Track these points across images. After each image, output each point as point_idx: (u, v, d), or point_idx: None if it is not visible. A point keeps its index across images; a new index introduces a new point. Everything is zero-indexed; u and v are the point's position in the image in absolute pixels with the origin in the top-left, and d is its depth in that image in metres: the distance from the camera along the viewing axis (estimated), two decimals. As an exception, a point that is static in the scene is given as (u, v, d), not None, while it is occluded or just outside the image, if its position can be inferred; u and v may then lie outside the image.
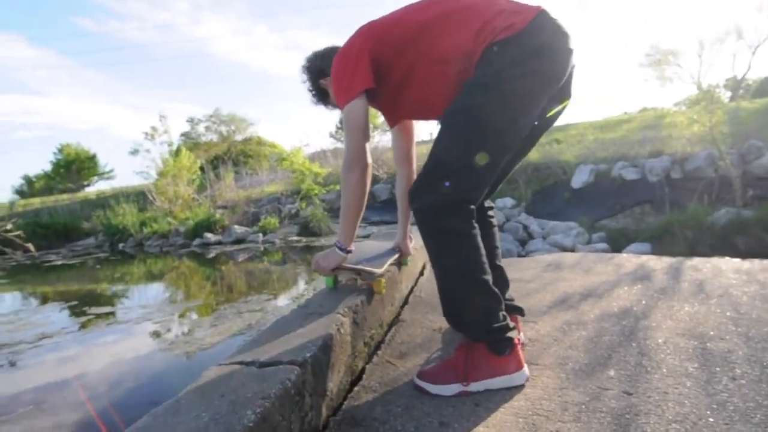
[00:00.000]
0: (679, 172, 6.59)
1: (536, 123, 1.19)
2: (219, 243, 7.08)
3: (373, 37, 1.17)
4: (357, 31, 1.22)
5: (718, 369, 1.09)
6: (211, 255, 6.22)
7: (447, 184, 1.03)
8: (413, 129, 1.52)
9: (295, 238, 6.70)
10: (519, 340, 1.11)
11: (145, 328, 2.34)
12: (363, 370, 1.20)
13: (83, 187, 29.36)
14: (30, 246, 3.92)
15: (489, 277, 1.07)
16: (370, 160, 1.21)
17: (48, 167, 30.87)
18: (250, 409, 0.70)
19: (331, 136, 19.14)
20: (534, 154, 8.50)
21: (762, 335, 1.27)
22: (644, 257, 2.34)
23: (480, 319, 1.07)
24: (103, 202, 11.84)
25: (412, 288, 1.98)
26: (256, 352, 0.92)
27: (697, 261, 2.17)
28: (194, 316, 2.56)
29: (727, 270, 1.97)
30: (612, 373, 1.11)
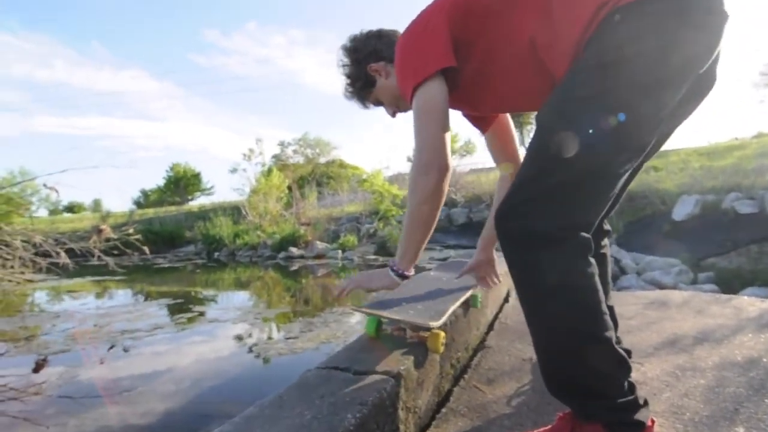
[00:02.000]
0: (811, 207, 5.68)
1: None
2: (301, 257, 7.45)
3: (457, 7, 0.90)
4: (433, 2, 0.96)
5: None
6: (294, 267, 6.56)
7: (555, 204, 0.77)
8: (510, 122, 1.27)
9: (372, 256, 6.84)
10: (653, 421, 0.80)
11: (242, 329, 2.54)
12: (450, 393, 1.17)
13: (188, 200, 32.93)
14: (146, 249, 4.44)
15: (611, 334, 0.78)
16: (450, 161, 0.91)
17: (161, 182, 35.22)
18: (350, 412, 0.71)
19: (409, 159, 19.47)
20: (628, 182, 7.89)
21: None
22: (771, 302, 2.03)
23: (596, 392, 0.79)
24: (203, 214, 13.14)
25: (497, 314, 1.91)
26: (350, 359, 0.95)
27: (844, 311, 1.83)
28: (285, 322, 2.71)
29: None
30: (741, 430, 0.96)
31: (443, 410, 1.08)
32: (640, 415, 0.78)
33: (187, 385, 1.77)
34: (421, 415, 0.99)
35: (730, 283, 4.73)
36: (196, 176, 36.01)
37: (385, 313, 1.03)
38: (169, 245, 11.31)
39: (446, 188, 0.92)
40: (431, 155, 0.88)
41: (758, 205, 5.97)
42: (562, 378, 0.83)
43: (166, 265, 7.58)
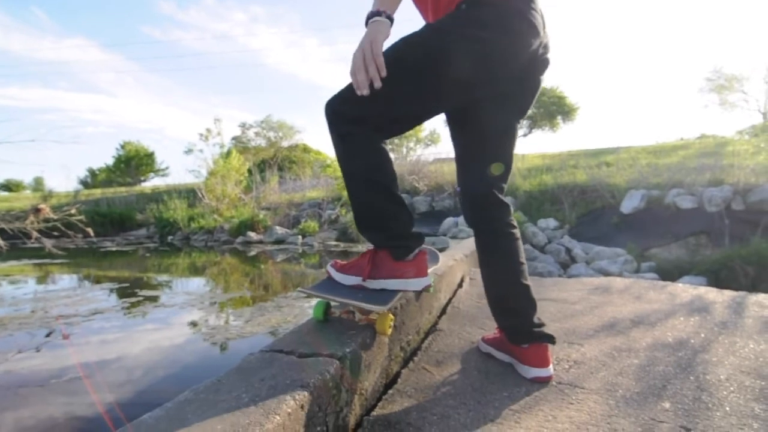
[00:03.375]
0: (741, 203, 6.14)
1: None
2: (260, 242, 7.28)
3: None
4: None
5: (790, 413, 0.99)
6: (252, 253, 6.40)
7: (358, 103, 0.99)
8: None
9: (333, 242, 6.78)
10: (423, 251, 1.11)
11: (188, 314, 2.43)
12: (398, 375, 1.17)
13: (140, 181, 31.26)
14: (90, 231, 4.17)
15: (391, 185, 1.06)
16: None
17: (110, 161, 33.18)
18: (289, 395, 0.69)
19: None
20: (582, 176, 8.22)
21: (843, 382, 1.14)
22: (702, 288, 2.18)
23: (383, 226, 1.07)
24: (156, 196, 12.53)
25: (451, 299, 1.94)
26: (295, 342, 0.92)
27: (762, 297, 2.00)
28: (235, 307, 2.64)
29: (799, 309, 1.79)
30: (667, 405, 1.02)
31: (390, 391, 1.08)
32: (411, 241, 1.09)
33: (132, 373, 1.68)
34: (367, 396, 0.98)
35: (669, 272, 5.06)
36: (150, 156, 34.15)
37: (333, 296, 1.03)
38: (119, 228, 10.74)
39: None
40: None
41: (697, 201, 6.39)
42: (362, 218, 1.11)
43: (114, 249, 7.18)
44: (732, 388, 1.11)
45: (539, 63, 1.12)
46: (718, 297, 1.99)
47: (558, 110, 26.59)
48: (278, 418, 0.64)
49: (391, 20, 1.01)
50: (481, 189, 1.17)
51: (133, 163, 32.57)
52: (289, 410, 0.67)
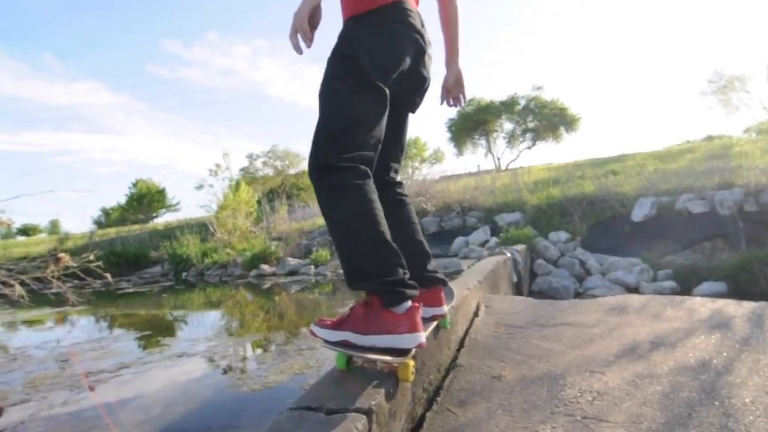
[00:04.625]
0: (755, 204, 6.07)
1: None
2: (273, 274, 7.33)
3: None
4: None
5: (819, 438, 0.99)
6: (266, 286, 6.44)
7: (335, 143, 1.10)
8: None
9: (345, 270, 6.80)
10: (417, 305, 1.08)
11: (213, 364, 2.48)
12: (423, 418, 1.19)
13: (152, 218, 31.80)
14: (108, 276, 4.26)
15: (384, 229, 1.08)
16: None
17: (123, 200, 33.85)
18: (322, 457, 0.72)
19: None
20: (589, 186, 8.20)
21: None
22: (721, 302, 2.17)
23: (373, 272, 1.07)
24: (169, 232, 12.71)
25: (468, 329, 1.95)
26: (322, 397, 0.95)
27: (784, 307, 1.98)
28: (257, 352, 2.67)
29: (822, 320, 1.78)
30: (693, 436, 1.03)
31: (417, 437, 1.10)
32: (409, 290, 1.07)
33: (160, 425, 1.70)
34: (394, 445, 1.00)
35: (687, 279, 4.99)
36: (161, 192, 34.81)
37: (352, 352, 1.06)
38: (134, 267, 10.88)
39: None
40: None
41: (709, 205, 6.33)
42: (351, 270, 1.12)
43: (131, 290, 7.28)
44: (758, 412, 1.11)
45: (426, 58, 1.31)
46: (738, 310, 1.98)
47: (560, 121, 26.69)
48: (313, 482, 0.66)
49: None
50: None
51: (145, 200, 33.18)
52: (323, 473, 0.69)
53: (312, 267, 7.01)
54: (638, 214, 6.83)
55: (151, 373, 2.32)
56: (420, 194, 8.75)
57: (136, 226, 21.98)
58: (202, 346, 2.89)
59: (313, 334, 1.14)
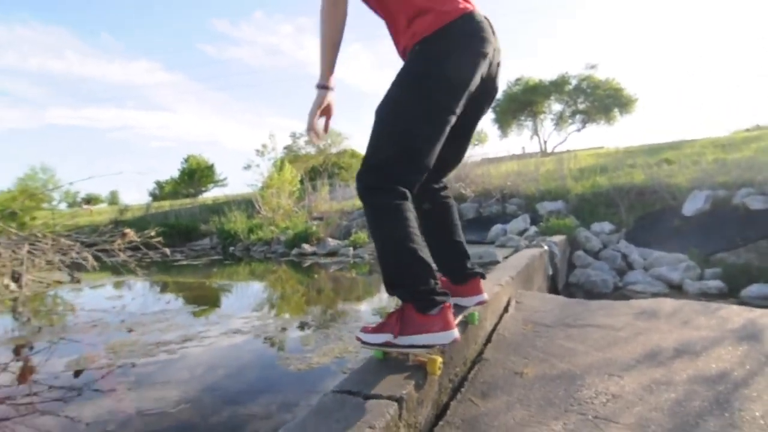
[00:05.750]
0: (823, 202, 5.66)
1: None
2: (314, 254, 7.67)
3: None
4: None
5: (821, 456, 1.05)
6: (307, 264, 6.79)
7: (382, 170, 1.21)
8: None
9: (383, 252, 7.01)
10: (449, 304, 1.21)
11: (265, 342, 2.78)
12: (447, 406, 1.34)
13: (201, 192, 33.49)
14: (167, 251, 4.70)
15: (417, 246, 1.19)
16: None
17: (175, 174, 35.84)
18: (360, 435, 0.89)
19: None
20: (639, 176, 7.88)
21: None
22: (757, 311, 2.15)
23: (407, 282, 1.20)
24: (217, 207, 13.44)
25: (496, 325, 2.07)
26: (360, 383, 1.12)
27: (825, 321, 1.95)
28: (302, 333, 2.93)
29: None
30: (696, 443, 1.12)
31: (440, 423, 1.25)
32: (439, 297, 1.18)
33: (213, 401, 1.93)
34: (421, 429, 1.16)
35: (736, 279, 4.78)
36: (210, 168, 36.56)
37: (388, 348, 1.24)
38: (185, 239, 11.64)
39: (342, 10, 1.30)
40: None
41: (769, 201, 5.96)
42: (390, 278, 1.25)
43: (185, 263, 7.88)
44: (766, 426, 1.17)
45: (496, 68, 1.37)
46: (774, 322, 1.97)
47: (614, 103, 25.30)
48: (352, 453, 0.84)
49: (327, 89, 1.38)
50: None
51: (196, 175, 34.89)
52: (361, 448, 0.86)
53: (351, 249, 7.27)
54: (690, 208, 6.54)
55: (212, 347, 2.62)
56: (459, 179, 8.72)
57: (188, 200, 23.27)
58: (255, 323, 3.19)
59: (359, 340, 1.29)
